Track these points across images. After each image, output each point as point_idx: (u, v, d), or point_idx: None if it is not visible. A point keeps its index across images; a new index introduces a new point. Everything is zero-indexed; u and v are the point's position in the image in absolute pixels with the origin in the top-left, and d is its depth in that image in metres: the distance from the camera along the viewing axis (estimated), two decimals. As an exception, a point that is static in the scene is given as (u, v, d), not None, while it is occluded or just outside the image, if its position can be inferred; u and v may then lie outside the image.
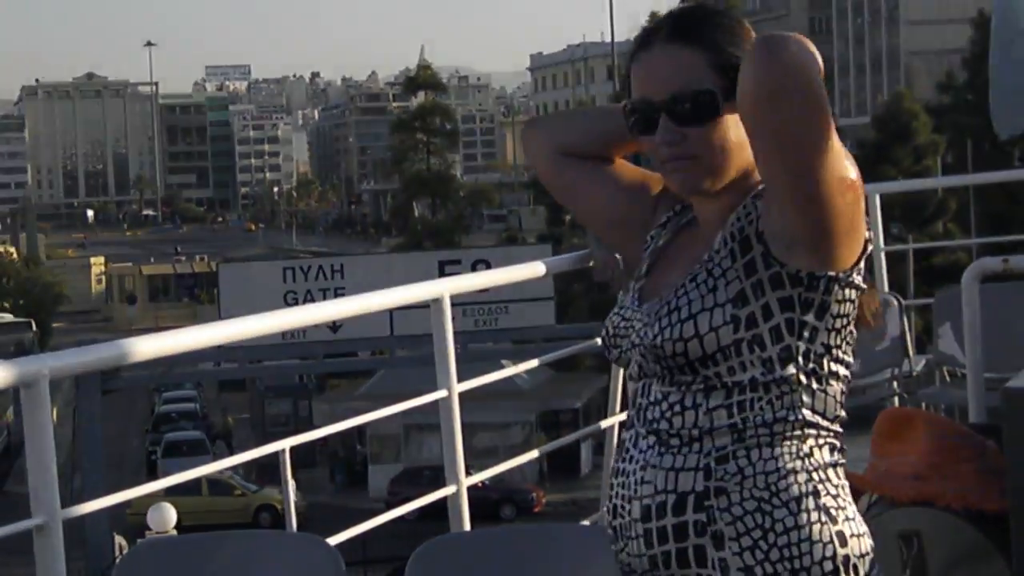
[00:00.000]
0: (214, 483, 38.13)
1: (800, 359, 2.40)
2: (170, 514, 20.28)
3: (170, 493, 31.25)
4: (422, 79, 69.04)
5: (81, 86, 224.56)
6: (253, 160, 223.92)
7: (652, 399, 2.48)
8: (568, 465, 38.94)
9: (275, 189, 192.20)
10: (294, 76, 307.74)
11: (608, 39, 64.96)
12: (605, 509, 2.53)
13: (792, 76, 2.25)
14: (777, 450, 2.40)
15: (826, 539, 2.37)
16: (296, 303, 27.96)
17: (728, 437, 2.40)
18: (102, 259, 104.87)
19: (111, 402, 32.86)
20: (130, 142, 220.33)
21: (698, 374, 2.42)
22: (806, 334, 2.41)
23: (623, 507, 2.47)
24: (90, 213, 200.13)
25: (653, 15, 49.32)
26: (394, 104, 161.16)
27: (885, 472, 3.78)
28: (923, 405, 6.82)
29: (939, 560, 3.66)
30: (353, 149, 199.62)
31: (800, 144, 2.29)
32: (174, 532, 20.07)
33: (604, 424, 7.02)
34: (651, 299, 2.53)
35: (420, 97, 69.90)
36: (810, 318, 2.40)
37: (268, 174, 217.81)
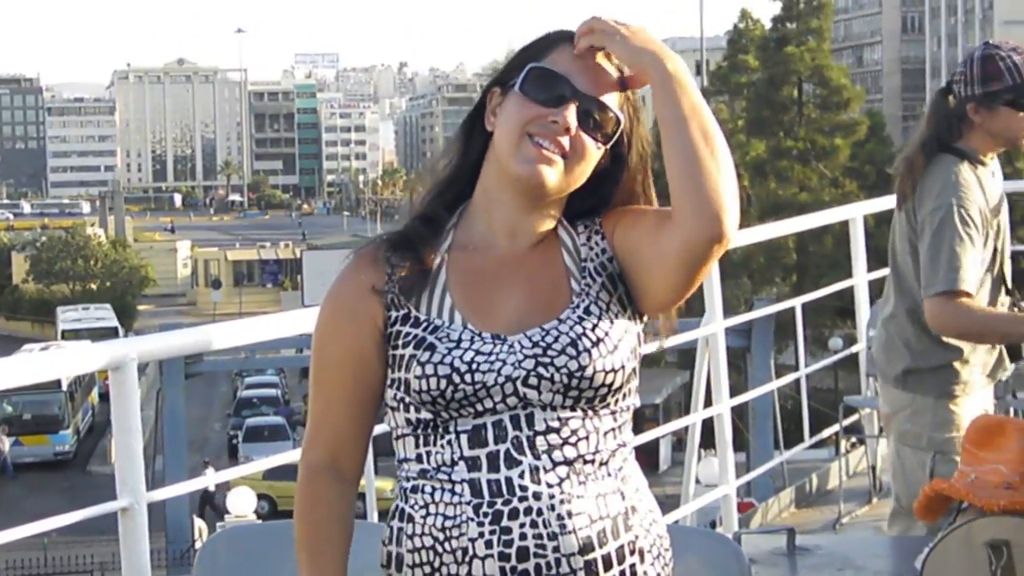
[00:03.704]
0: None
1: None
2: (250, 499, 20.42)
3: (267, 477, 31.57)
4: (509, 71, 69.13)
5: (171, 71, 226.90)
6: (340, 148, 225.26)
7: (540, 428, 2.42)
8: (647, 461, 38.90)
9: (360, 177, 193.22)
10: (382, 65, 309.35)
11: (697, 34, 64.72)
12: (477, 557, 2.40)
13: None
14: (634, 462, 2.54)
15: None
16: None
17: (621, 457, 2.50)
18: (188, 243, 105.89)
19: (194, 386, 33.18)
20: (218, 128, 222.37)
21: (604, 402, 2.46)
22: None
23: (542, 546, 2.40)
24: (177, 197, 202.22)
25: (744, 12, 49.17)
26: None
27: (975, 480, 3.72)
28: (1011, 411, 6.73)
29: (1028, 571, 3.59)
30: (439, 139, 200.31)
31: (703, 278, 2.48)
32: (253, 517, 20.22)
33: (690, 420, 7.01)
34: (495, 328, 2.46)
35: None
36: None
37: (354, 162, 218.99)
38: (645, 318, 2.56)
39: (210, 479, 4.31)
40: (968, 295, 4.56)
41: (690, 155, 2.38)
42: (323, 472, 2.57)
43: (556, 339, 2.44)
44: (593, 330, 2.45)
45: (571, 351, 2.42)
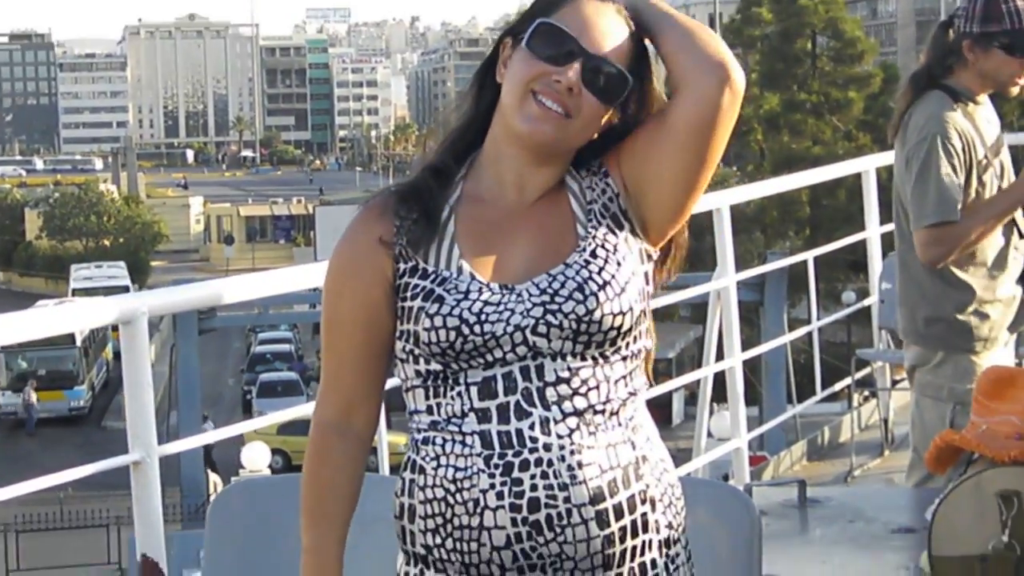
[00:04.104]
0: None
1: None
2: (264, 454, 20.46)
3: (281, 432, 31.69)
4: (521, 25, 68.93)
5: (183, 26, 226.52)
6: (351, 103, 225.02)
7: (550, 379, 2.43)
8: (660, 415, 38.83)
9: (373, 133, 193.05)
10: (394, 20, 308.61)
11: (710, -13, 64.41)
12: (488, 508, 2.40)
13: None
14: (645, 411, 2.54)
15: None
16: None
17: (632, 406, 2.49)
18: (201, 199, 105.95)
19: (207, 342, 33.27)
20: (230, 83, 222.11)
21: (614, 346, 2.46)
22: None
23: (553, 496, 2.40)
24: (190, 153, 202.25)
25: (756, -37, 48.86)
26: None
27: (986, 431, 3.72)
28: (1023, 362, 6.72)
29: (1039, 521, 3.60)
30: (451, 94, 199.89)
31: (716, 159, 2.51)
32: (267, 471, 20.27)
33: (701, 373, 7.01)
34: (504, 278, 2.46)
35: (519, 43, 69.72)
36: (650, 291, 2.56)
37: (366, 118, 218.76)
38: (655, 255, 2.55)
39: (221, 433, 4.30)
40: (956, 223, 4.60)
41: (683, 27, 2.47)
42: (335, 430, 2.57)
43: (563, 284, 2.44)
44: (600, 273, 2.45)
45: (578, 295, 2.42)
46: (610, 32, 2.48)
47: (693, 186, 2.50)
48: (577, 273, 2.44)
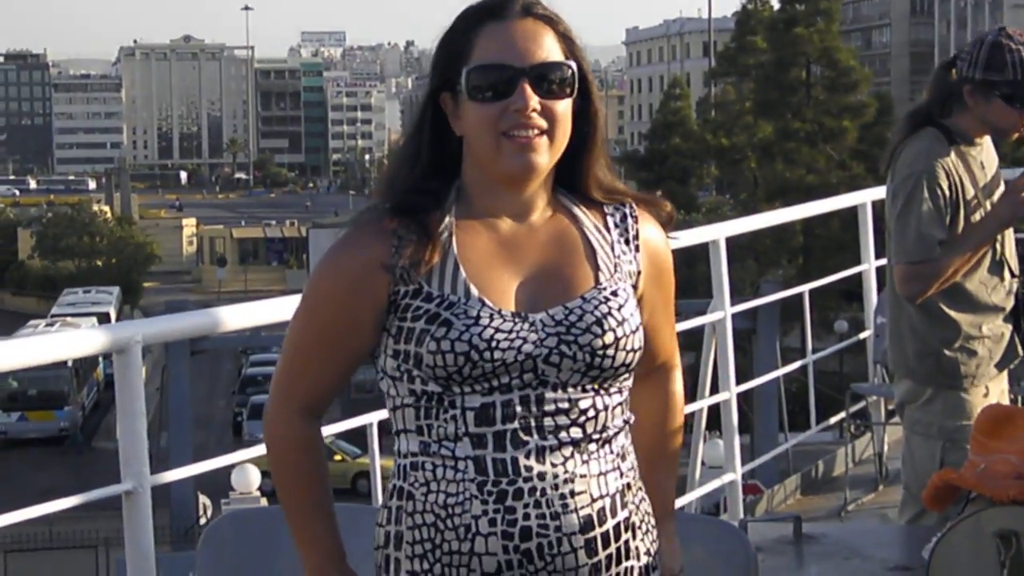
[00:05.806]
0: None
1: None
2: (254, 476, 20.41)
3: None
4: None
5: (178, 48, 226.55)
6: (345, 127, 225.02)
7: (548, 409, 2.42)
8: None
9: (366, 156, 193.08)
10: (389, 44, 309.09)
11: (705, 15, 64.58)
12: (479, 535, 2.41)
13: None
14: (630, 438, 2.55)
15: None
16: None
17: (623, 435, 2.51)
18: (194, 221, 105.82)
19: (198, 363, 33.17)
20: (224, 105, 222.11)
21: (617, 379, 2.48)
22: None
23: (544, 526, 2.40)
24: (183, 175, 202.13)
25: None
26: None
27: (985, 470, 3.71)
28: (1020, 400, 6.71)
29: (1036, 561, 3.58)
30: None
31: None
32: (257, 494, 20.23)
33: (696, 406, 7.00)
34: (512, 305, 2.45)
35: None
36: None
37: (360, 141, 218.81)
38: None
39: (215, 462, 4.28)
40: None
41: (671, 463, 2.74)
42: (303, 422, 2.57)
43: (580, 318, 2.44)
44: (619, 310, 2.46)
45: (596, 329, 2.43)
46: (529, 36, 2.46)
47: None
48: (596, 308, 2.45)
